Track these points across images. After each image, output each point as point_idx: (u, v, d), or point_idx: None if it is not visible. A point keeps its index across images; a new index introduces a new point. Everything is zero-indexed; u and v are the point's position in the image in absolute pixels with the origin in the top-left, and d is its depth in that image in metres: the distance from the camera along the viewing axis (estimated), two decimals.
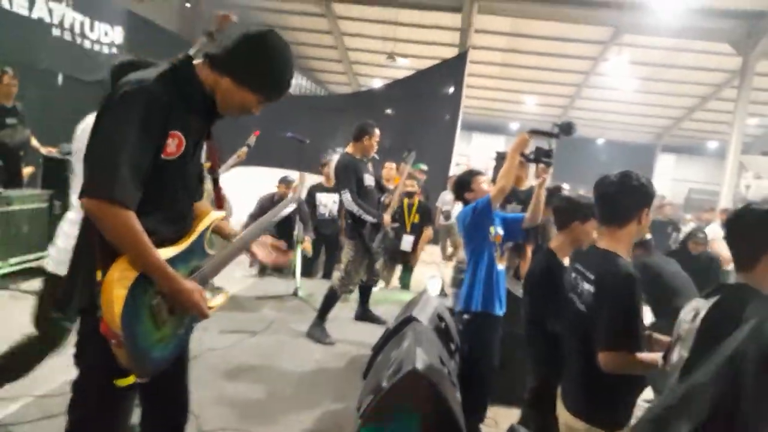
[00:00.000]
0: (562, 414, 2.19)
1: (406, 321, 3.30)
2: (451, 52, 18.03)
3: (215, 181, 1.82)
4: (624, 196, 2.04)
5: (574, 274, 2.22)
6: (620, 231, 2.06)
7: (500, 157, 5.48)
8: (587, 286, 2.08)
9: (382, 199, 4.93)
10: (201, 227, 1.66)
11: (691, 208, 21.17)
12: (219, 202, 1.83)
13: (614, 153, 27.13)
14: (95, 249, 1.42)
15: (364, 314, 5.21)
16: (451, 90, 11.71)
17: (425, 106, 11.02)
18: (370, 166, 4.82)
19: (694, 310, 1.66)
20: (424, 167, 7.92)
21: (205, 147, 1.73)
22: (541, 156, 3.05)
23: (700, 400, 1.22)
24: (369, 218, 4.55)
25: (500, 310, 3.23)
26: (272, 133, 5.81)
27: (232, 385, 3.43)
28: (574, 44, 18.21)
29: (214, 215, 1.72)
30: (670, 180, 27.24)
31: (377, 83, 21.57)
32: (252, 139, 5.46)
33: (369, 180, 4.71)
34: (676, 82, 20.45)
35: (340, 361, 4.14)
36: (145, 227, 1.41)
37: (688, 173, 28.01)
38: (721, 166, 19.79)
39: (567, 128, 2.80)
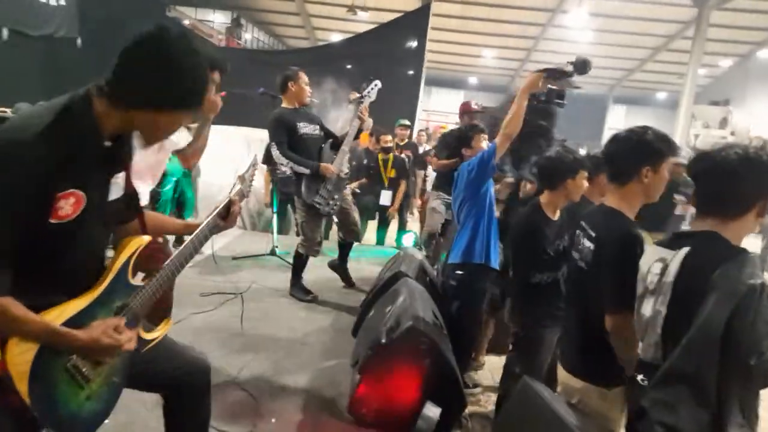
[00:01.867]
0: (560, 373, 2.21)
1: (396, 276, 3.32)
2: (413, 5, 17.71)
3: (136, 208, 1.56)
4: (623, 152, 2.00)
5: (577, 231, 2.18)
6: (623, 189, 2.01)
7: (464, 112, 5.27)
8: (588, 244, 2.05)
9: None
10: (120, 261, 1.43)
11: None
12: (143, 228, 1.57)
13: (568, 104, 27.50)
14: None
15: (336, 266, 4.95)
16: (414, 44, 11.57)
17: (388, 60, 10.86)
18: (310, 113, 4.52)
19: (661, 261, 1.62)
20: (406, 122, 7.78)
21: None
22: (554, 98, 2.89)
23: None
24: (301, 169, 4.25)
25: (496, 264, 3.23)
26: (234, 89, 5.58)
27: (218, 349, 3.39)
28: None
29: (136, 243, 1.47)
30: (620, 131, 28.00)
31: (336, 37, 21.01)
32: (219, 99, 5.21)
33: (306, 128, 4.34)
34: (630, 33, 20.77)
35: (326, 318, 4.15)
36: (39, 301, 1.25)
37: (638, 123, 28.51)
38: (671, 116, 20.49)
39: (582, 65, 2.58)
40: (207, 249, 5.20)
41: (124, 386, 1.54)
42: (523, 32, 21.88)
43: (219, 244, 5.68)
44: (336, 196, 4.42)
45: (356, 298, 4.43)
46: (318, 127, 4.45)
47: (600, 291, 1.93)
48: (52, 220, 1.24)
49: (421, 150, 7.88)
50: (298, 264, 4.55)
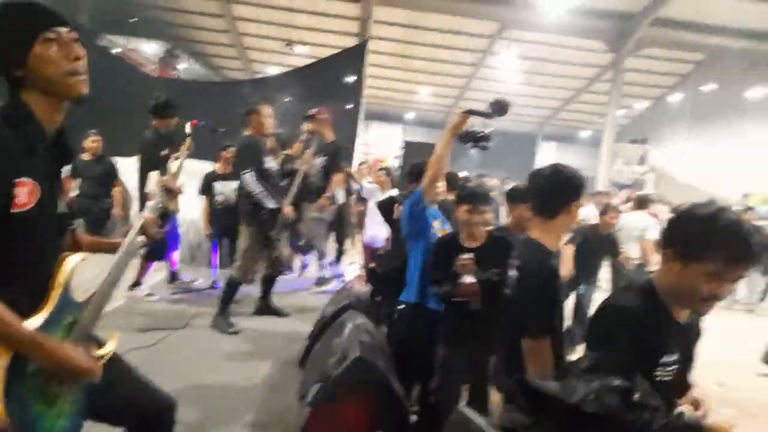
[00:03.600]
0: (495, 396, 2.33)
1: (343, 309, 3.35)
2: (351, 42, 18.13)
3: (69, 225, 1.56)
4: (554, 189, 2.11)
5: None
6: (550, 222, 2.11)
7: (408, 146, 5.50)
8: (513, 272, 2.15)
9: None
10: (63, 277, 1.41)
11: None
12: (78, 245, 1.58)
13: (502, 141, 28.68)
14: None
15: (264, 308, 4.94)
16: (352, 79, 11.81)
17: (327, 95, 11.00)
18: (270, 149, 4.60)
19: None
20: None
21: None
22: (474, 139, 2.88)
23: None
24: (269, 203, 4.29)
25: (436, 304, 3.05)
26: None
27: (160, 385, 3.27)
28: (464, 37, 19.05)
29: (72, 261, 1.44)
30: None
31: (273, 70, 21.10)
32: (189, 128, 5.10)
33: (270, 163, 4.45)
34: (555, 75, 22.12)
35: (269, 351, 4.09)
36: (7, 297, 1.21)
37: (567, 160, 29.91)
38: (595, 153, 21.84)
39: (500, 107, 2.66)
40: (145, 282, 5.04)
41: (85, 418, 1.49)
42: (457, 71, 22.82)
43: (157, 277, 5.51)
44: (281, 235, 4.53)
45: (302, 329, 4.39)
46: (275, 163, 4.57)
47: (521, 317, 2.05)
48: (13, 210, 1.25)
49: (365, 182, 7.94)
50: (230, 292, 4.48)
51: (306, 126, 5.35)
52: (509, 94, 24.79)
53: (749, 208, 9.35)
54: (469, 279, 2.69)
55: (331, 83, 11.50)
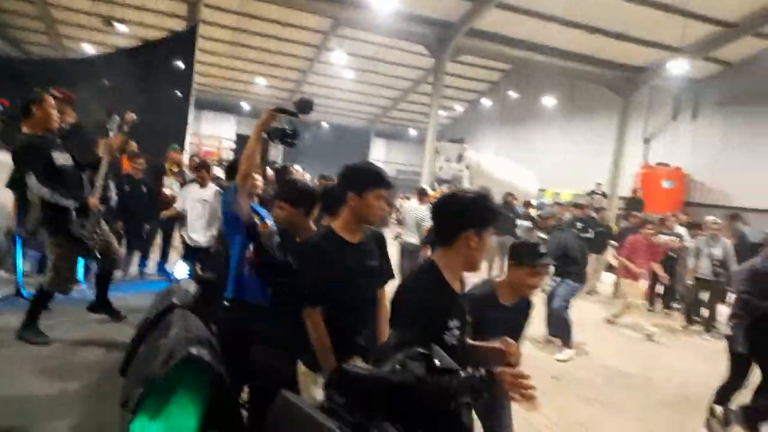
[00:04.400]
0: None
1: (168, 309, 3.28)
2: (179, 24, 17.08)
3: None
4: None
5: None
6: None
7: (240, 139, 5.44)
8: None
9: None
10: None
11: (399, 187, 24.58)
12: None
13: (337, 136, 29.48)
14: None
15: (100, 305, 4.65)
16: (182, 65, 11.21)
17: (154, 80, 10.32)
18: (59, 141, 4.13)
19: None
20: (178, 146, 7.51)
21: None
22: (282, 136, 2.89)
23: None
24: (67, 202, 3.94)
25: (260, 298, 3.05)
26: None
27: None
28: (298, 30, 19.13)
29: None
30: (383, 162, 30.91)
31: (89, 49, 19.06)
32: None
33: (61, 159, 4.01)
34: (385, 75, 23.27)
35: (89, 358, 3.84)
36: None
37: (396, 156, 32.22)
38: (421, 150, 23.45)
39: (303, 106, 2.71)
40: None
41: None
42: (293, 64, 22.80)
43: None
44: (98, 229, 4.19)
45: (124, 333, 4.18)
46: (69, 156, 4.11)
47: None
48: None
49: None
50: (42, 303, 4.13)
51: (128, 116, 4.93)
52: (343, 89, 25.46)
53: (528, 203, 10.99)
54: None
55: (160, 68, 10.79)
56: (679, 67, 14.19)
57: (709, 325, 7.50)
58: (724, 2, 12.66)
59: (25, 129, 3.95)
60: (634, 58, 16.03)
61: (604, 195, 15.95)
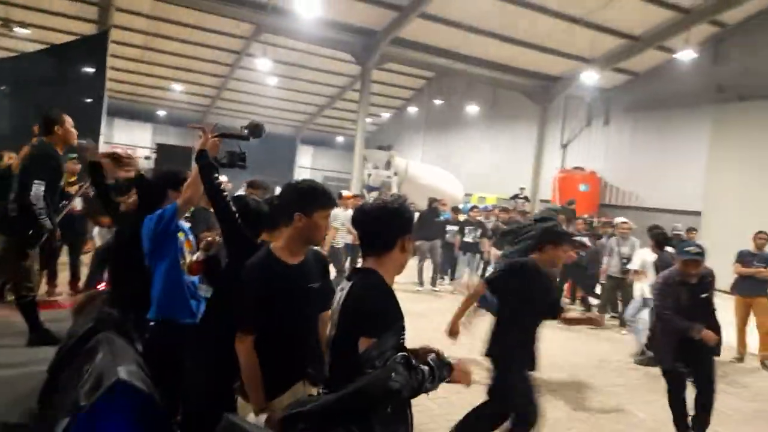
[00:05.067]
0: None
1: (91, 332, 3.01)
2: (89, 29, 16.09)
3: None
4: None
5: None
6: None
7: (161, 149, 5.20)
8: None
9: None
10: None
11: None
12: None
13: (261, 143, 28.68)
14: None
15: (38, 337, 4.24)
16: (92, 71, 10.57)
17: (61, 86, 9.65)
18: None
19: (340, 290, 1.89)
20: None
21: None
22: (236, 160, 2.78)
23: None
24: (47, 223, 3.99)
25: (189, 318, 2.94)
26: None
27: None
28: (217, 36, 18.56)
29: None
30: (309, 169, 30.63)
31: None
32: None
33: None
34: (310, 81, 23.09)
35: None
36: None
37: (324, 163, 32.02)
38: (348, 157, 23.41)
39: (255, 130, 2.63)
40: None
41: None
42: (213, 70, 22.11)
43: None
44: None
45: (33, 358, 3.79)
46: None
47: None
48: None
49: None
50: (33, 307, 4.17)
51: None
52: (267, 96, 25.02)
53: (456, 209, 11.31)
54: None
55: (68, 74, 10.11)
56: (590, 77, 15.11)
57: (623, 320, 7.85)
58: (629, 17, 13.61)
59: (45, 139, 4.14)
60: (551, 69, 16.87)
61: (526, 199, 16.60)
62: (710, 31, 13.86)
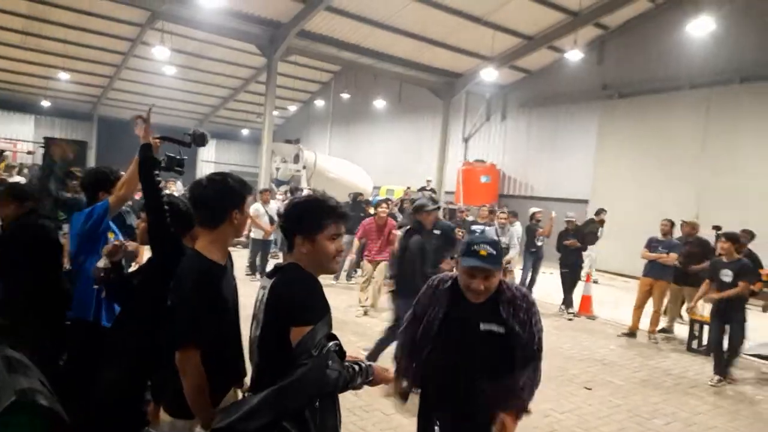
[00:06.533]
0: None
1: None
2: None
3: None
4: (214, 199, 2.07)
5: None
6: (214, 232, 2.07)
7: (49, 142, 4.81)
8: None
9: None
10: None
11: None
12: None
13: (159, 136, 27.30)
14: None
15: None
16: None
17: None
18: None
19: (262, 288, 1.85)
20: None
21: None
22: (174, 165, 2.67)
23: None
24: None
25: (103, 319, 2.86)
26: None
27: None
28: (108, 22, 17.33)
29: None
30: (214, 164, 29.49)
31: None
32: None
33: None
34: (212, 73, 22.21)
35: None
36: None
37: (229, 157, 30.98)
38: (255, 151, 22.77)
39: (199, 138, 2.55)
40: None
41: None
42: (103, 58, 20.61)
43: None
44: None
45: None
46: None
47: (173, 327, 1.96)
48: None
49: None
50: None
51: None
52: (165, 87, 23.79)
53: (366, 201, 11.56)
54: None
55: None
56: (489, 74, 15.82)
57: None
58: (524, 18, 14.41)
59: None
60: (453, 65, 17.47)
61: (433, 191, 17.12)
62: (595, 33, 15.00)
